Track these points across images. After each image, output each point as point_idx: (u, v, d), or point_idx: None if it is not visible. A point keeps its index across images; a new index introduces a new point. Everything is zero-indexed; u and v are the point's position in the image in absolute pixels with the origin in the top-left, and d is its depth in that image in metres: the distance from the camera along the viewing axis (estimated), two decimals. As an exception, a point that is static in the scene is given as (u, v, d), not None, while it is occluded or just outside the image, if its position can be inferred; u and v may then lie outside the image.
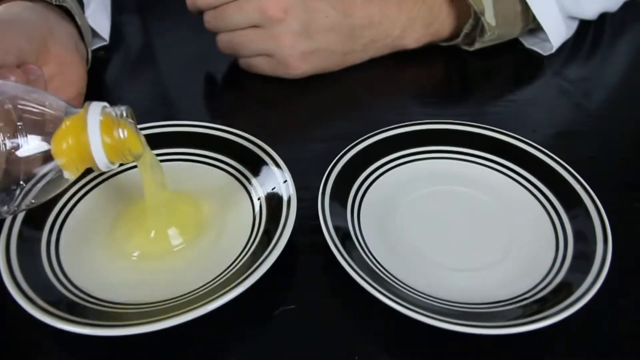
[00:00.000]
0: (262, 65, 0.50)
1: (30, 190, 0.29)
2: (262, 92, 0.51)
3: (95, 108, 0.29)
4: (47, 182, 0.29)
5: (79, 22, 0.45)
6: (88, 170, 0.39)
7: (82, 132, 0.28)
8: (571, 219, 0.35)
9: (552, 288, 0.32)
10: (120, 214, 0.37)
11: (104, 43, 0.54)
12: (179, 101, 0.52)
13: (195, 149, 0.41)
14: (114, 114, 0.30)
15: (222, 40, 0.49)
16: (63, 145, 0.28)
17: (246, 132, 0.41)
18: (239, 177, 0.39)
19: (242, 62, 0.51)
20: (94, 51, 0.53)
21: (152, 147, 0.42)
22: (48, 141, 0.28)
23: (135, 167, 0.40)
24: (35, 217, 0.35)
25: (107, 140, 0.29)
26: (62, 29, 0.42)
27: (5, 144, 0.27)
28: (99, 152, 0.29)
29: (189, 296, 0.31)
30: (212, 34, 0.50)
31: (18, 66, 0.35)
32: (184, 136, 0.41)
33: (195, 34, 0.53)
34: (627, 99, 0.52)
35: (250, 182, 0.38)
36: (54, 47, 0.39)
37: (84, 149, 0.29)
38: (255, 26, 0.47)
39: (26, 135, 0.27)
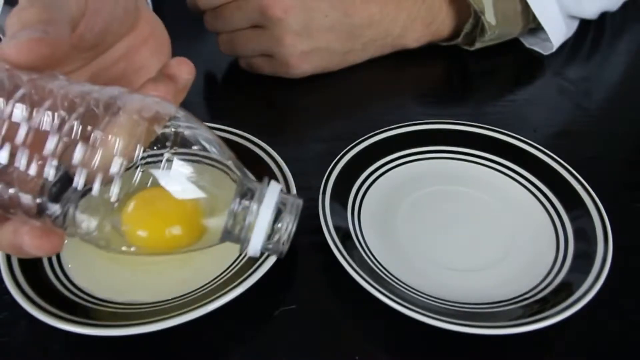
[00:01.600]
0: (263, 65, 0.50)
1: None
2: (262, 92, 0.51)
3: (276, 188, 0.27)
4: None
5: None
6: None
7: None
8: (572, 219, 0.35)
9: (553, 288, 0.32)
10: (121, 214, 0.37)
11: None
12: (179, 101, 0.52)
13: (195, 149, 0.41)
14: (288, 205, 0.27)
15: (223, 40, 0.49)
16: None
17: (246, 132, 0.41)
18: (239, 177, 0.39)
19: (243, 62, 0.51)
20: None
21: (153, 147, 0.41)
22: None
23: (134, 166, 0.40)
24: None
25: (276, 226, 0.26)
26: None
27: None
28: (260, 235, 0.25)
29: (189, 296, 0.31)
30: (212, 34, 0.50)
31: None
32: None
33: (195, 34, 0.53)
34: (627, 99, 0.52)
35: (250, 182, 0.38)
36: (141, 4, 0.34)
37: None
38: (255, 26, 0.47)
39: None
